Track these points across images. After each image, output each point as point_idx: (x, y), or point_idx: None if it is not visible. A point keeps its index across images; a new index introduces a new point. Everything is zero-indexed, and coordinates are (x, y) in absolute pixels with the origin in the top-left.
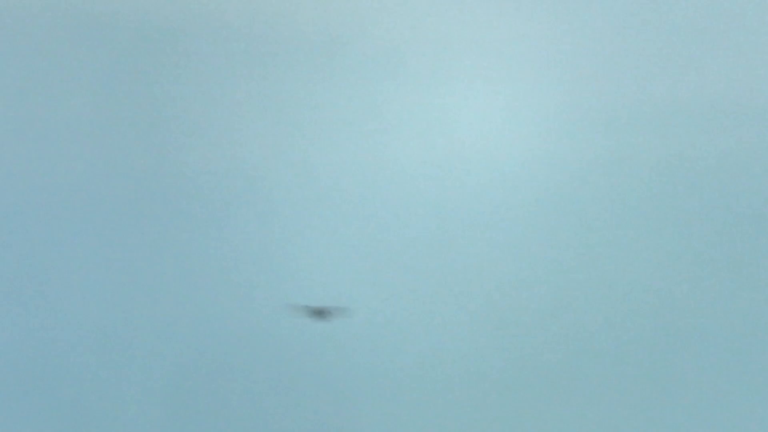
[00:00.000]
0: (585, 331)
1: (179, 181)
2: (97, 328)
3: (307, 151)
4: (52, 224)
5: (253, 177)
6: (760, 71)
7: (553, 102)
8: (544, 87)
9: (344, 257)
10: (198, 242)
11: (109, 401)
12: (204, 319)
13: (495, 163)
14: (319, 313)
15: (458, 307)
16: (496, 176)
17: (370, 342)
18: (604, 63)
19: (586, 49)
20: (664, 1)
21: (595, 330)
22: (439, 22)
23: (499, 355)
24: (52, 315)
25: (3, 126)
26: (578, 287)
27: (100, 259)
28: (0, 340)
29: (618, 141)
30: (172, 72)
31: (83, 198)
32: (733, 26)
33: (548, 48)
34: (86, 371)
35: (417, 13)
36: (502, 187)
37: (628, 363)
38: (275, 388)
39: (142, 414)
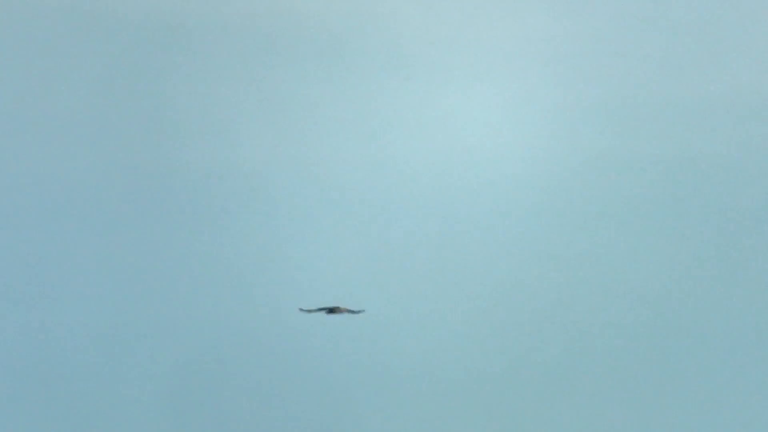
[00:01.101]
0: (585, 328)
1: (181, 180)
2: (98, 326)
3: (310, 150)
4: (53, 223)
5: (256, 175)
6: (761, 71)
7: (554, 101)
8: (545, 87)
9: (346, 255)
10: (200, 240)
11: (111, 399)
12: (205, 315)
13: (496, 162)
14: (332, 311)
15: (459, 304)
16: (497, 174)
17: (371, 339)
18: (605, 63)
19: (586, 50)
20: (662, 2)
21: (595, 327)
22: (441, 24)
23: (498, 351)
24: (53, 314)
25: (4, 125)
26: (578, 285)
27: (102, 257)
28: (0, 339)
29: (619, 140)
30: (173, 71)
31: (84, 197)
32: (732, 26)
33: (549, 49)
34: (88, 369)
35: (419, 15)
36: (504, 185)
37: (628, 362)
38: (277, 385)
39: (144, 412)
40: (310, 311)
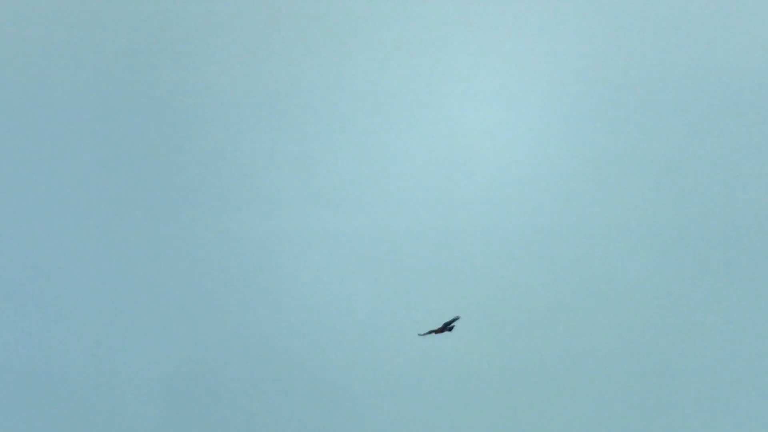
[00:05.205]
0: (585, 330)
1: (180, 178)
2: (97, 325)
3: (309, 148)
4: (52, 223)
5: (255, 174)
6: (760, 70)
7: (553, 101)
8: (544, 87)
9: (345, 254)
10: (199, 239)
11: (111, 399)
12: (204, 315)
13: (496, 162)
14: (441, 330)
15: (458, 304)
16: (497, 174)
17: (372, 339)
18: (604, 64)
19: (585, 50)
20: (660, 3)
21: (595, 330)
22: (441, 23)
23: (498, 350)
24: (52, 315)
25: (4, 124)
26: (578, 285)
27: (101, 256)
28: (0, 340)
29: (617, 140)
30: (171, 68)
31: (83, 196)
32: (731, 26)
33: (549, 49)
34: (87, 370)
35: (419, 14)
36: (503, 185)
37: (628, 363)
38: (275, 386)
39: (142, 414)
40: (424, 335)
